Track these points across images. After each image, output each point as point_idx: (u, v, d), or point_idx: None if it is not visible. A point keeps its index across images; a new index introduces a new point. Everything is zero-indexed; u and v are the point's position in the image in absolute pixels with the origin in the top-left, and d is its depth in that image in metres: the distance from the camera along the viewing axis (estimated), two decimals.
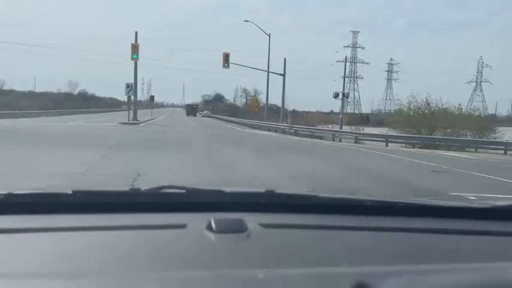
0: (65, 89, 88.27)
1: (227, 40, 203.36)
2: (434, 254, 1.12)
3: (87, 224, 1.14)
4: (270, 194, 1.36)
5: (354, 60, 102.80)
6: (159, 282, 0.88)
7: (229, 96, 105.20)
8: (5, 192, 1.22)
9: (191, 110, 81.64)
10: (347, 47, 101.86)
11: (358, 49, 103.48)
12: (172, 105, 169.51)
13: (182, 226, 1.14)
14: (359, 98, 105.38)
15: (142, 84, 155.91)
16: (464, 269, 1.01)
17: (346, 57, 48.97)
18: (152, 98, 60.68)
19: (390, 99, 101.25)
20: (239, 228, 1.11)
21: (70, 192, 1.27)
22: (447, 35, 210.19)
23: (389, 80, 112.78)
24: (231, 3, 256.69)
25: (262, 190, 1.37)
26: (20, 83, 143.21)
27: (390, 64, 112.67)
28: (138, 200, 1.30)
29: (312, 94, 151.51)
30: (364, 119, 37.17)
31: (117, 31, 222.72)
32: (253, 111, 48.22)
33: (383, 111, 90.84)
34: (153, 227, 1.15)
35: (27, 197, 1.28)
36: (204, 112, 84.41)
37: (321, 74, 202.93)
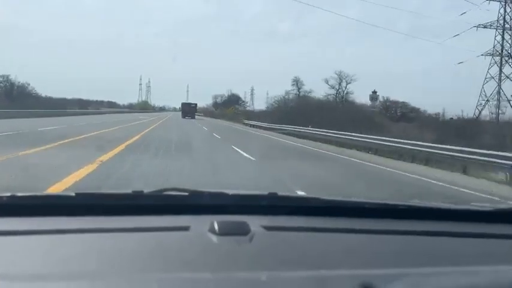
0: None
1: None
2: (436, 257, 1.12)
3: (90, 226, 1.15)
4: (272, 197, 1.37)
5: (504, 26, 44.49)
6: (162, 284, 0.88)
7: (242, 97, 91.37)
8: (8, 194, 1.23)
9: (188, 110, 63.07)
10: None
11: None
12: (174, 110, 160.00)
13: (185, 228, 1.14)
14: None
15: (140, 85, 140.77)
16: (465, 272, 1.02)
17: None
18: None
19: None
20: (242, 230, 1.11)
21: (73, 194, 1.27)
22: None
23: None
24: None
25: (265, 193, 1.38)
26: None
27: None
28: (141, 202, 1.31)
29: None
30: None
31: (115, 32, 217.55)
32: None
33: None
34: (156, 229, 1.16)
35: (30, 199, 1.29)
36: None
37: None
